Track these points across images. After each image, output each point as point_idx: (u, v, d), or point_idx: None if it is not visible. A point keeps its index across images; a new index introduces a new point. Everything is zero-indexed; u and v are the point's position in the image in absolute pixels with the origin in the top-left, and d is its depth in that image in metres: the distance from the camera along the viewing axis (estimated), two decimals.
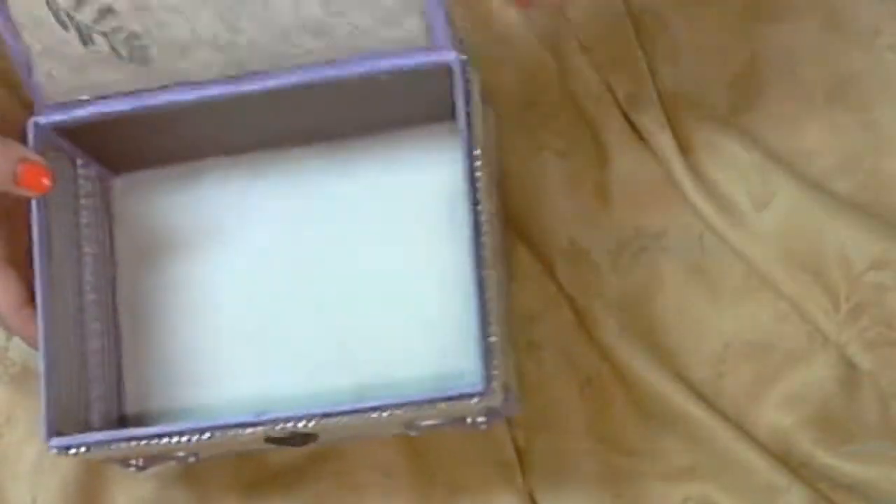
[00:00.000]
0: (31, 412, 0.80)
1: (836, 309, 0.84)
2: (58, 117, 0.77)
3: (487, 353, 0.73)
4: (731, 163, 0.87)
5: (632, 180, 0.88)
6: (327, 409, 0.73)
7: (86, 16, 0.73)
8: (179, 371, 0.80)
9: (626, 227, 0.87)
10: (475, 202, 0.75)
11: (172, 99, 0.76)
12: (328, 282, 0.81)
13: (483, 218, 0.74)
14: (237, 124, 0.80)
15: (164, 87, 0.76)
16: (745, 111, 0.88)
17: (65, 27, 0.74)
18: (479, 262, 0.74)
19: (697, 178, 0.87)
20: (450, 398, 0.73)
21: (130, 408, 0.81)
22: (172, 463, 0.79)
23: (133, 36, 0.74)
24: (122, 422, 0.80)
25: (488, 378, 0.72)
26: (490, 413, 0.77)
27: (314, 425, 0.73)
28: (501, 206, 0.85)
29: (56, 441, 0.73)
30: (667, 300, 0.86)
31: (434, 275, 0.80)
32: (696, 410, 0.83)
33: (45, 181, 0.76)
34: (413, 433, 0.79)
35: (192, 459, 0.78)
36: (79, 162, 0.81)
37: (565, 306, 0.86)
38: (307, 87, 0.76)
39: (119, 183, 0.84)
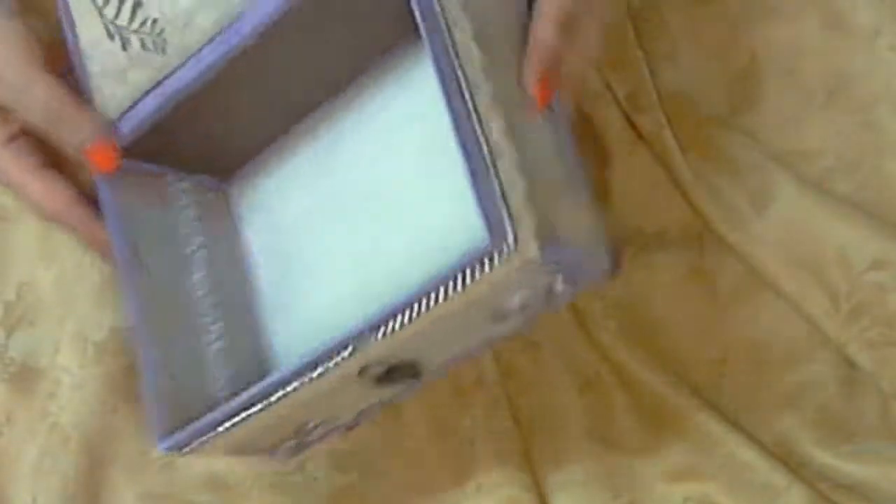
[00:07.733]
0: (31, 411, 0.79)
1: (837, 309, 0.84)
2: (125, 136, 0.78)
3: (487, 200, 0.63)
4: (731, 163, 0.87)
5: (632, 180, 0.88)
6: (380, 315, 0.67)
7: (124, 18, 0.78)
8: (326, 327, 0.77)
9: (626, 227, 0.87)
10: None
11: (185, 77, 0.77)
12: (377, 220, 0.80)
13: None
14: (256, 99, 0.80)
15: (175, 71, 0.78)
16: (745, 111, 0.88)
17: (111, 37, 0.78)
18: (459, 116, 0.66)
19: (697, 178, 0.87)
20: (468, 262, 0.64)
21: None
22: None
23: (154, 23, 0.77)
24: None
25: (496, 227, 0.63)
26: (567, 272, 0.68)
27: (382, 336, 0.68)
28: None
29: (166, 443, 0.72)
30: (666, 300, 0.86)
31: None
32: (696, 411, 0.83)
33: (114, 162, 0.75)
34: (502, 328, 0.72)
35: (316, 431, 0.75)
36: (170, 178, 0.82)
37: (565, 306, 0.86)
38: (287, 15, 0.74)
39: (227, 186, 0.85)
